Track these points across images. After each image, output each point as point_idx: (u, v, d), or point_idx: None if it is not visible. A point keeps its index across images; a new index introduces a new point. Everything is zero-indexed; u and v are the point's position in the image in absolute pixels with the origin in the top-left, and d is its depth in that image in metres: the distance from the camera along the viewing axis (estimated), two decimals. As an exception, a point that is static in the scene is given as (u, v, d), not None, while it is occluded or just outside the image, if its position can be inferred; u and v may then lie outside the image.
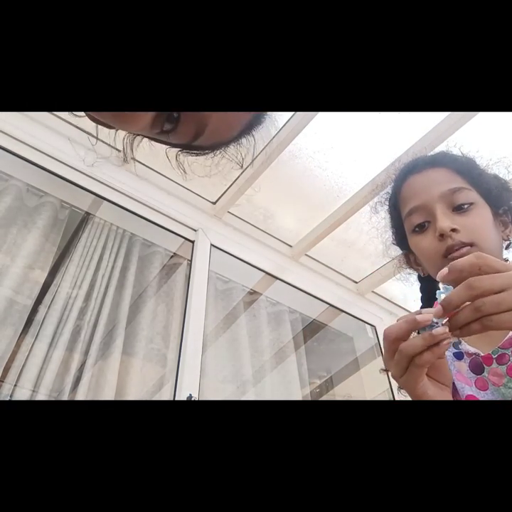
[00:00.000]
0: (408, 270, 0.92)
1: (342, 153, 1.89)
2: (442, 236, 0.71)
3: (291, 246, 2.29)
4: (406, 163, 0.89)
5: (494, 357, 0.67)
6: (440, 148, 1.67)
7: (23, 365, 1.35)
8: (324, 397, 2.38)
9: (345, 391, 2.42)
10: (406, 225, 0.81)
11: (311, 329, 2.39)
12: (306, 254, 2.29)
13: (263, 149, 1.84)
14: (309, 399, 2.22)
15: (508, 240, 0.79)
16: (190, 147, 0.53)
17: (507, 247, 0.80)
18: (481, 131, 1.66)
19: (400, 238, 0.87)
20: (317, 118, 1.67)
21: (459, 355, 0.73)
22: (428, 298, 0.90)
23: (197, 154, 0.55)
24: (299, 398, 2.04)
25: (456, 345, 0.75)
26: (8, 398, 1.28)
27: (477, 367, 0.69)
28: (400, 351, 0.51)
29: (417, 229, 0.77)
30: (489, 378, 0.67)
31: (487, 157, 0.85)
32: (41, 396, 1.32)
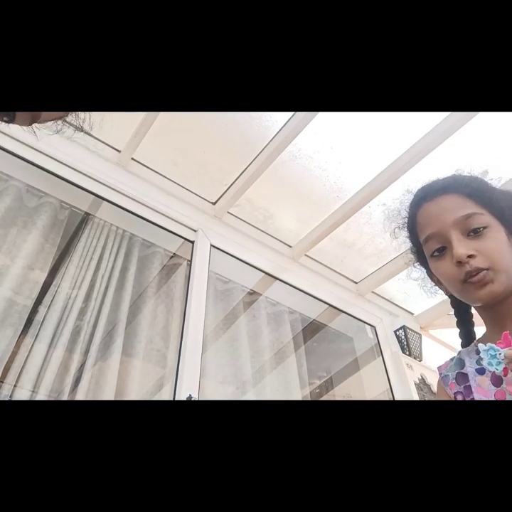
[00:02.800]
0: (435, 286, 0.95)
1: (342, 153, 1.89)
2: (460, 263, 0.74)
3: (290, 246, 2.29)
4: (420, 189, 0.92)
5: (510, 367, 0.69)
6: (438, 150, 1.67)
7: (23, 366, 1.35)
8: (324, 398, 2.38)
9: (345, 391, 2.42)
10: (425, 250, 0.83)
11: (311, 329, 2.39)
12: (306, 255, 2.29)
13: (263, 149, 1.84)
14: (309, 399, 2.21)
15: None
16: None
17: None
18: (480, 131, 1.66)
19: (422, 260, 0.90)
20: (317, 118, 1.67)
21: (481, 371, 0.75)
22: (459, 313, 0.93)
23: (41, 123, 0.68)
24: (299, 398, 2.04)
25: (478, 361, 0.78)
26: (7, 398, 1.28)
27: (497, 380, 0.72)
28: None
29: (435, 254, 0.80)
30: (507, 388, 0.69)
31: (497, 175, 0.87)
32: (41, 396, 1.31)
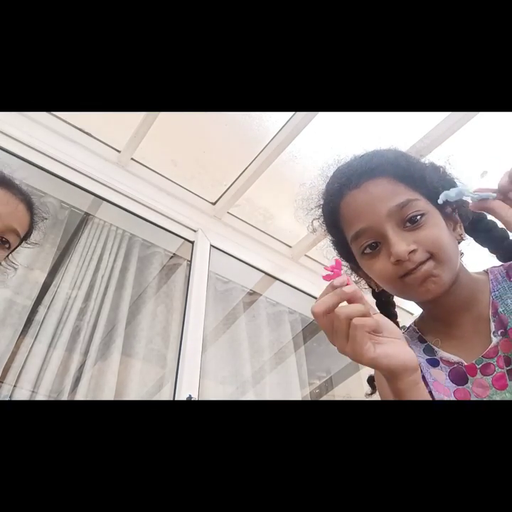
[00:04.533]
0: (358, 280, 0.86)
1: (341, 153, 1.88)
2: (399, 262, 0.65)
3: (290, 246, 2.29)
4: (338, 171, 0.81)
5: (478, 367, 0.64)
6: (438, 150, 1.67)
7: (23, 366, 1.35)
8: (324, 398, 2.38)
9: (344, 391, 2.42)
10: (353, 247, 0.73)
11: (311, 330, 2.39)
12: (306, 255, 2.29)
13: (263, 149, 1.84)
14: (309, 399, 2.21)
15: (462, 239, 0.73)
16: None
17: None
18: (480, 131, 1.66)
19: (347, 254, 0.79)
20: (317, 118, 1.67)
21: (433, 362, 0.70)
22: (384, 305, 0.86)
23: None
24: (299, 399, 2.04)
25: (428, 351, 0.72)
26: (7, 398, 1.28)
27: (459, 377, 0.66)
28: (337, 319, 0.53)
29: (367, 251, 0.70)
30: (473, 390, 0.64)
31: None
32: (40, 397, 1.31)
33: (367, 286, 0.84)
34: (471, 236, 0.77)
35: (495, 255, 0.78)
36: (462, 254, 0.74)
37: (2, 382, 1.30)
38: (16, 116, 1.61)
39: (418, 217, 0.66)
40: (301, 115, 1.65)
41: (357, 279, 0.85)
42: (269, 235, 2.22)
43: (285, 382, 2.03)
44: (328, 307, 0.55)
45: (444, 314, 0.72)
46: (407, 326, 0.84)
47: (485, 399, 0.63)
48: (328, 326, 0.56)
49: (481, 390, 0.63)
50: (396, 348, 0.54)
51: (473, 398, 0.64)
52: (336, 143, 1.86)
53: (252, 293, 2.21)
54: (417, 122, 1.69)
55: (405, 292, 0.69)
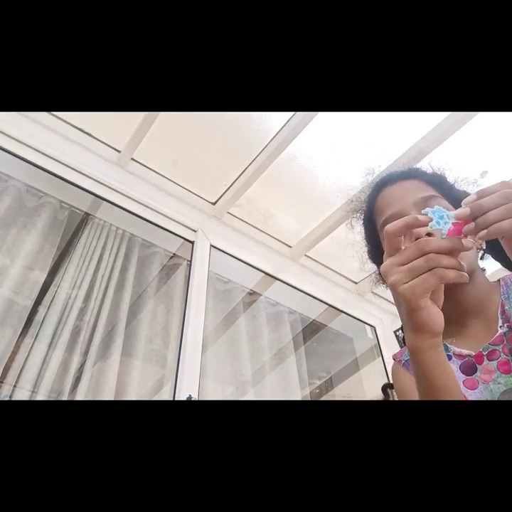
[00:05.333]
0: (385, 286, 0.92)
1: (342, 153, 1.89)
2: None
3: (290, 246, 2.29)
4: (379, 178, 0.91)
5: (485, 354, 0.68)
6: (438, 150, 1.67)
7: (23, 366, 1.35)
8: (324, 398, 2.38)
9: (345, 392, 2.42)
10: (381, 235, 0.81)
11: (311, 330, 2.39)
12: (306, 255, 2.29)
13: (263, 149, 1.84)
14: (309, 399, 2.21)
15: (481, 248, 0.79)
16: None
17: (481, 258, 0.82)
18: (480, 131, 1.66)
19: (375, 252, 0.88)
20: (317, 118, 1.67)
21: (447, 357, 0.74)
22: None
23: None
24: (299, 399, 2.04)
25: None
26: (7, 398, 1.28)
27: (469, 368, 0.70)
28: (418, 247, 0.49)
29: None
30: (480, 377, 0.68)
31: (455, 175, 0.89)
32: (40, 397, 1.31)
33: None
34: (488, 251, 0.82)
35: (509, 270, 0.82)
36: (484, 269, 0.81)
37: (2, 382, 1.30)
38: (16, 116, 1.61)
39: None
40: (301, 115, 1.65)
41: (383, 283, 0.90)
42: (269, 235, 2.23)
43: (285, 382, 2.03)
44: (402, 229, 0.52)
45: (458, 316, 0.75)
46: None
47: (490, 383, 0.65)
48: (395, 248, 0.52)
49: (487, 375, 0.67)
50: (437, 310, 0.54)
51: (480, 386, 0.67)
52: (336, 143, 1.86)
53: (252, 293, 2.21)
54: (417, 122, 1.69)
55: None
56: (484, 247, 0.79)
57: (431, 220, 0.51)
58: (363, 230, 0.93)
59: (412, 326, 0.53)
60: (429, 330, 0.52)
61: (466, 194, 0.82)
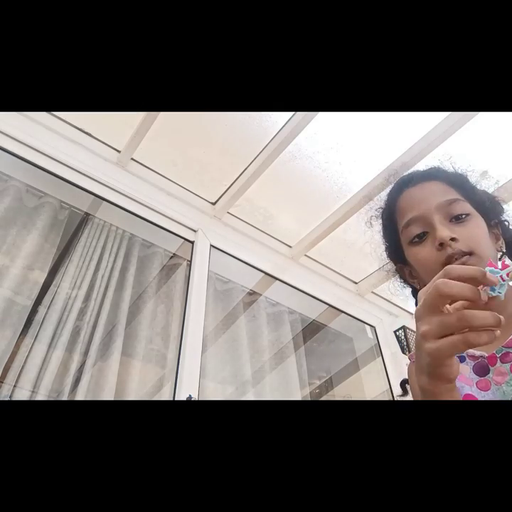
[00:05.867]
0: (403, 284, 0.92)
1: (342, 153, 1.89)
2: (442, 245, 0.72)
3: (290, 246, 2.29)
4: (401, 177, 0.90)
5: (498, 356, 0.67)
6: (438, 150, 1.67)
7: (23, 366, 1.35)
8: (324, 398, 2.38)
9: (344, 392, 2.42)
10: (403, 236, 0.81)
11: (311, 330, 2.39)
12: (306, 255, 2.29)
13: (263, 149, 1.84)
14: (309, 399, 2.21)
15: (501, 251, 0.79)
16: None
17: (499, 259, 0.81)
18: (480, 131, 1.66)
19: (395, 251, 0.87)
20: (317, 118, 1.67)
21: (460, 358, 0.73)
22: None
23: None
24: (299, 399, 2.04)
25: None
26: (7, 398, 1.28)
27: (482, 369, 0.69)
28: (467, 316, 0.45)
29: (415, 240, 0.78)
30: (493, 378, 0.67)
31: (476, 173, 0.88)
32: (40, 397, 1.31)
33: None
34: (508, 255, 0.82)
35: None
36: (501, 258, 0.80)
37: (2, 382, 1.30)
38: (16, 116, 1.61)
39: (463, 216, 0.75)
40: (301, 115, 1.65)
41: (401, 282, 0.91)
42: (269, 235, 2.23)
43: (285, 382, 2.03)
44: (466, 296, 0.46)
45: None
46: None
47: (503, 385, 0.65)
48: (438, 306, 0.48)
49: (500, 377, 0.66)
50: (458, 363, 0.52)
51: (492, 387, 0.66)
52: (336, 143, 1.86)
53: (252, 293, 2.21)
54: (417, 122, 1.69)
55: None
56: (504, 251, 0.79)
57: (495, 283, 0.46)
58: (382, 229, 0.92)
59: (429, 373, 0.51)
60: (446, 379, 0.50)
61: (488, 195, 0.83)
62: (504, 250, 0.80)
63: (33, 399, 1.30)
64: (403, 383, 0.90)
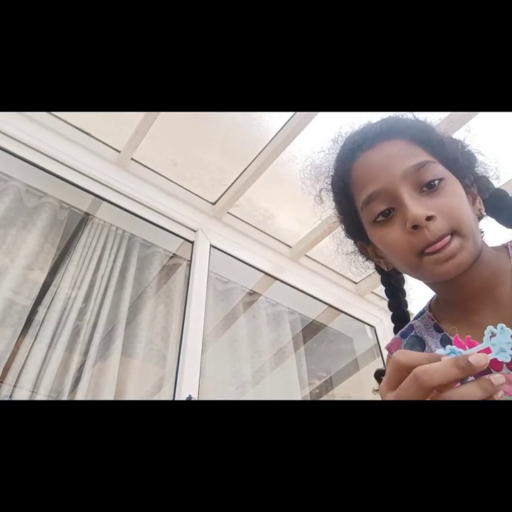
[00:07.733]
0: (365, 262, 0.79)
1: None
2: (416, 228, 0.58)
3: (290, 246, 2.29)
4: (351, 135, 0.74)
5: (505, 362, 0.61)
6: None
7: (23, 366, 1.35)
8: (324, 398, 2.38)
9: (344, 392, 2.42)
10: (363, 215, 0.66)
11: (311, 330, 2.39)
12: (306, 255, 2.29)
13: (263, 149, 1.84)
14: (309, 399, 2.21)
15: (481, 214, 0.66)
16: None
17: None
18: (480, 131, 1.66)
19: (355, 228, 0.72)
20: (317, 118, 1.67)
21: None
22: (394, 292, 0.79)
23: None
24: (299, 399, 2.04)
25: (445, 342, 0.66)
26: (7, 398, 1.28)
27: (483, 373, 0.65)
28: (418, 385, 0.41)
29: (380, 218, 0.63)
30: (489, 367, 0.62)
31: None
32: (40, 397, 1.31)
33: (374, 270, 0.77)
34: (490, 213, 0.69)
35: None
36: (482, 232, 0.67)
37: (2, 382, 1.30)
38: (16, 116, 1.61)
39: (436, 181, 0.60)
40: (301, 115, 1.65)
41: (364, 260, 0.77)
42: (269, 235, 2.23)
43: (285, 383, 2.03)
44: (442, 380, 0.40)
45: (462, 299, 0.64)
46: (421, 310, 0.76)
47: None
48: (398, 380, 0.43)
49: (509, 387, 0.56)
50: None
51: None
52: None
53: (252, 293, 2.21)
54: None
55: (419, 271, 0.61)
56: (484, 214, 0.67)
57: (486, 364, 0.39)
58: (335, 206, 0.76)
59: None
60: None
61: (459, 146, 0.68)
62: (484, 213, 0.66)
63: (33, 399, 1.30)
64: (377, 375, 0.78)
